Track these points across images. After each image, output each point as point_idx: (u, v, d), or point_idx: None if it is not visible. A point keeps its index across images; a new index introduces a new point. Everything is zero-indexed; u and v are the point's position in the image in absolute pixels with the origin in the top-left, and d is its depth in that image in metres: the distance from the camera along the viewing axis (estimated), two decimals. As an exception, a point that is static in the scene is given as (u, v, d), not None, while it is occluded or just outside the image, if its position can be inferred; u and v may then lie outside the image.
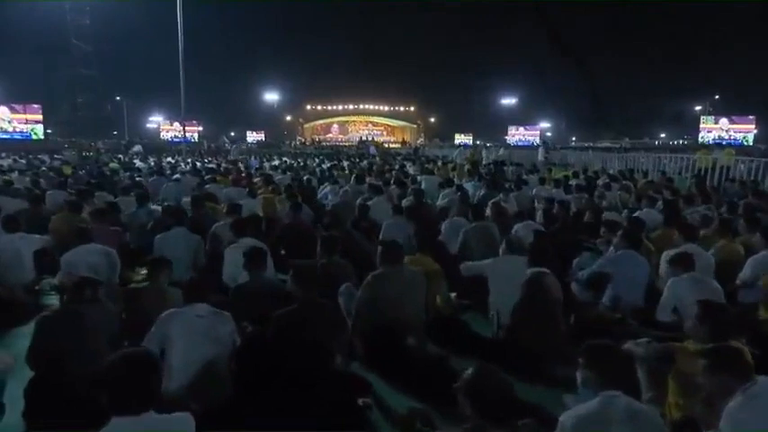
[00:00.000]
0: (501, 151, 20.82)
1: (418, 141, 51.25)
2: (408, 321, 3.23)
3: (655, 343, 2.25)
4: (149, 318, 3.06)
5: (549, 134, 53.63)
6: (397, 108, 52.65)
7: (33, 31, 40.17)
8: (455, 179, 11.10)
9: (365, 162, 16.79)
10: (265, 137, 49.09)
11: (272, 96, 48.38)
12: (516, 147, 36.85)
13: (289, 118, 51.77)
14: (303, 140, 49.32)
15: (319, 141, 48.31)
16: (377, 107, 52.32)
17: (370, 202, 6.63)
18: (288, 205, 6.38)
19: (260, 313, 3.07)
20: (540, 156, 14.92)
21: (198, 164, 15.20)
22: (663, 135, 51.44)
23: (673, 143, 42.23)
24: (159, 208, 6.46)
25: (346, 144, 46.87)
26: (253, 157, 19.55)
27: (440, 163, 16.86)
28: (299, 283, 2.77)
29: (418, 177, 9.96)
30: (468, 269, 3.79)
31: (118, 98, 53.39)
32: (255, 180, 9.78)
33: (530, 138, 45.56)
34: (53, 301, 4.27)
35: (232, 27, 48.82)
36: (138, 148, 22.10)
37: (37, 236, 4.59)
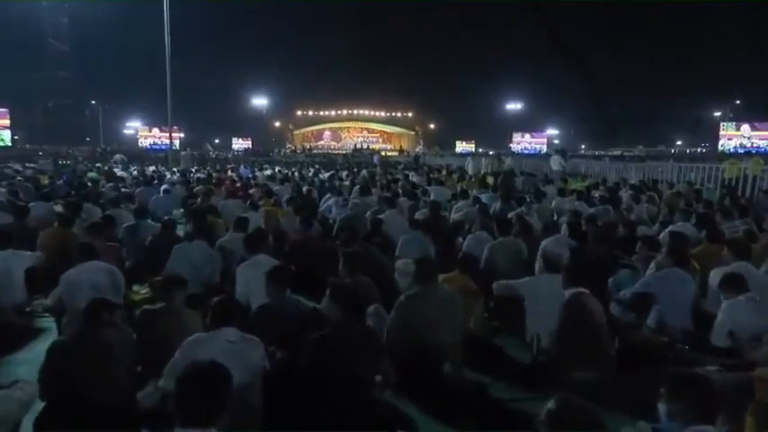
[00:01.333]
0: (508, 160, 21.02)
1: (417, 149, 51.59)
2: (445, 346, 3.24)
3: (726, 372, 2.26)
4: (166, 342, 3.06)
5: (556, 141, 54.27)
6: (393, 114, 53.02)
7: (3, 28, 40.17)
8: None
9: (365, 172, 16.84)
10: (252, 144, 49.18)
11: (259, 101, 48.54)
12: (522, 155, 37.21)
13: (277, 124, 51.94)
14: (293, 148, 49.45)
15: (310, 149, 48.48)
16: (372, 113, 52.64)
17: (381, 216, 6.68)
18: (295, 219, 6.47)
19: (286, 337, 3.08)
20: (556, 165, 15.01)
21: (186, 173, 15.19)
22: (679, 143, 52.12)
23: (690, 151, 42.77)
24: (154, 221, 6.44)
25: (340, 152, 47.07)
26: (243, 166, 19.54)
27: (444, 172, 16.99)
28: (338, 304, 2.77)
29: (428, 188, 10.01)
30: (503, 288, 3.81)
31: (93, 102, 53.55)
32: (251, 191, 9.82)
33: (536, 145, 46.03)
34: (48, 324, 4.24)
35: (217, 27, 49.27)
36: (119, 156, 22.02)
37: (28, 252, 4.57)
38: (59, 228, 5.38)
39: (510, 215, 6.97)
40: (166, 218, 5.60)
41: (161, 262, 4.76)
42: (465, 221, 6.98)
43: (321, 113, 51.67)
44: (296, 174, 15.65)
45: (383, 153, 44.75)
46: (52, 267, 4.83)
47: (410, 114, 53.26)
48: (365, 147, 48.77)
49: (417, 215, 7.20)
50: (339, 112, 51.74)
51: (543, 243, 5.09)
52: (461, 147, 51.89)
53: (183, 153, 23.85)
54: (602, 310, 3.31)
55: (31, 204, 7.17)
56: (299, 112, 51.27)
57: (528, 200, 7.48)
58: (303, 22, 53.71)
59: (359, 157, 37.05)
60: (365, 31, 55.48)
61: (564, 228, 5.85)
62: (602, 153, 36.63)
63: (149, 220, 6.13)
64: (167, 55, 14.01)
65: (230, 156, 39.11)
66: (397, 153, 45.68)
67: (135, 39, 42.82)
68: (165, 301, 3.27)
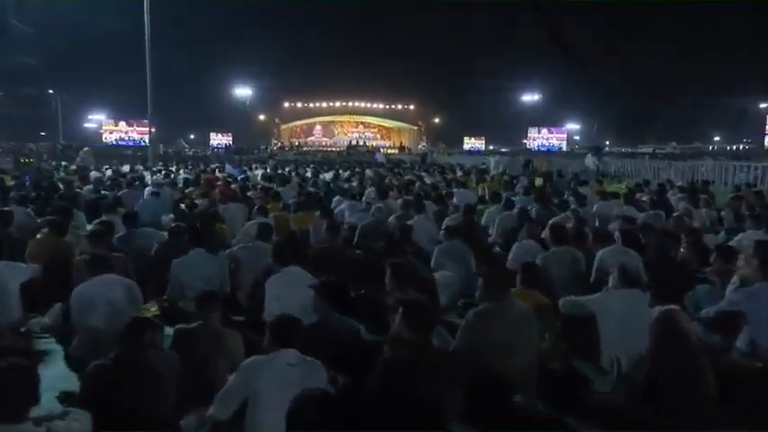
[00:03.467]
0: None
1: (420, 146, 51.77)
2: (517, 373, 3.25)
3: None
4: (206, 364, 3.10)
5: (576, 138, 54.67)
6: (393, 106, 53.21)
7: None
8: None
9: (369, 172, 16.90)
10: (233, 140, 49.12)
11: (242, 91, 48.57)
12: (538, 153, 37.49)
13: (262, 117, 51.99)
14: (280, 144, 49.47)
15: (299, 146, 48.54)
16: (369, 105, 52.80)
17: (410, 222, 6.71)
18: (317, 225, 6.50)
19: (339, 359, 3.10)
20: (591, 163, 15.09)
21: (172, 174, 15.18)
22: (717, 138, 52.39)
23: (731, 148, 43.07)
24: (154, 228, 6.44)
25: (333, 149, 47.17)
26: (231, 165, 19.54)
27: (458, 172, 17.09)
28: (412, 323, 2.79)
29: (452, 191, 10.07)
30: (571, 306, 3.83)
31: (51, 92, 53.24)
32: (249, 193, 9.83)
33: (555, 142, 46.33)
34: (50, 346, 4.21)
35: (193, 8, 49.09)
36: (86, 153, 21.86)
37: (23, 264, 4.55)
38: (51, 236, 5.35)
39: (553, 221, 7.11)
40: (173, 224, 5.59)
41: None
42: (502, 228, 7.03)
43: (311, 106, 51.76)
44: (292, 174, 15.68)
45: (382, 150, 44.93)
46: (46, 281, 4.87)
47: (412, 107, 53.49)
48: (361, 143, 48.94)
49: (448, 221, 7.28)
50: (332, 104, 51.85)
51: (600, 253, 5.13)
52: (470, 144, 52.19)
53: (84, 151, 23.36)
54: (696, 330, 3.34)
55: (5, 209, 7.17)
56: (286, 104, 51.34)
57: (574, 206, 7.52)
58: (291, 3, 53.71)
59: (355, 155, 37.19)
60: (362, 13, 55.58)
61: (617, 236, 5.91)
62: (631, 150, 36.90)
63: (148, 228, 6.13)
64: (146, 31, 13.93)
65: (209, 153, 39.07)
66: (397, 151, 45.84)
67: (96, 18, 42.59)
68: (202, 320, 3.29)
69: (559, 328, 3.76)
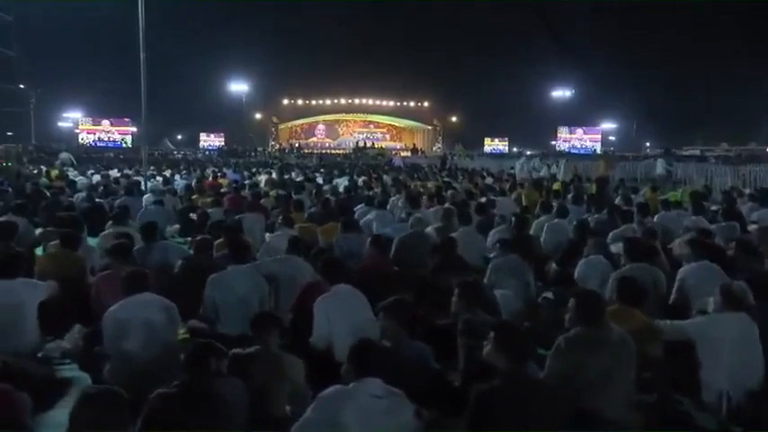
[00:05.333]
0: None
1: (435, 148, 51.91)
2: (613, 410, 3.25)
3: None
4: (267, 393, 3.14)
5: (612, 138, 54.64)
6: (405, 104, 53.41)
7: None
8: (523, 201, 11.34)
9: (387, 178, 16.99)
10: (226, 141, 49.47)
11: (236, 87, 48.91)
12: (569, 155, 37.43)
13: (258, 116, 52.30)
14: (279, 146, 49.73)
15: (299, 147, 48.79)
16: (378, 102, 53.02)
17: (454, 234, 6.74)
18: (352, 238, 6.55)
19: (419, 390, 3.12)
20: (660, 169, 14.90)
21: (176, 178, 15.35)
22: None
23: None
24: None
25: (339, 151, 47.39)
26: (232, 170, 19.70)
27: (488, 179, 17.11)
28: (509, 352, 2.81)
29: (494, 199, 10.11)
30: (669, 331, 3.84)
31: (21, 87, 53.67)
32: (262, 201, 9.91)
33: (590, 144, 46.36)
34: (73, 373, 4.25)
35: (183, -4, 49.37)
36: (65, 155, 22.16)
37: (40, 282, 4.61)
38: (63, 250, 5.42)
39: (613, 234, 7.12)
40: (200, 237, 5.64)
41: (199, 294, 4.81)
42: (559, 243, 7.05)
43: (313, 103, 52.06)
44: (296, 177, 15.81)
45: (394, 153, 45.06)
46: (62, 300, 4.92)
47: (426, 104, 53.68)
48: (369, 144, 49.11)
49: (496, 234, 7.31)
50: (336, 101, 52.10)
51: (683, 271, 5.14)
52: (491, 145, 52.29)
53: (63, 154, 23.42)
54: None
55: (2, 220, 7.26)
56: (285, 102, 51.66)
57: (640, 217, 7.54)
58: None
59: (363, 158, 37.35)
60: (370, 4, 55.75)
61: (688, 251, 5.90)
62: (676, 152, 36.82)
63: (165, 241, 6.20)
64: (140, 20, 14.06)
65: (200, 155, 39.34)
66: (409, 153, 45.99)
67: (69, 5, 42.97)
68: (260, 344, 3.33)
69: (661, 355, 3.75)
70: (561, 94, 48.43)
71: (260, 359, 3.24)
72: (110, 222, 7.29)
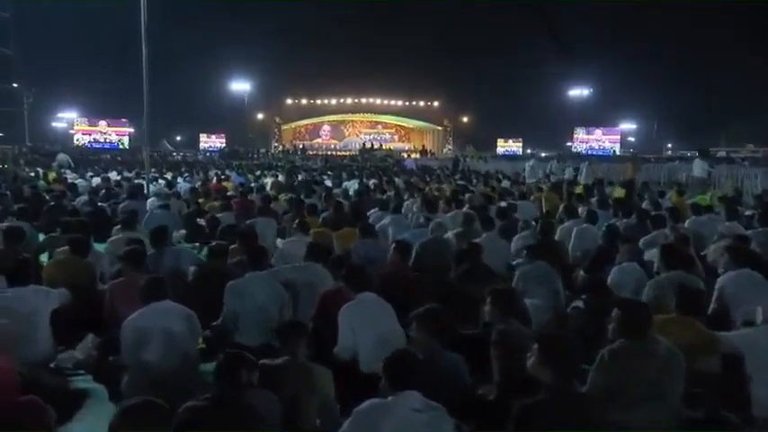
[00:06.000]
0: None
1: (445, 149, 51.93)
2: (659, 426, 3.23)
3: None
4: (297, 405, 3.16)
5: (631, 139, 54.49)
6: (414, 103, 53.42)
7: None
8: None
9: (399, 181, 17.02)
10: (227, 142, 49.66)
11: (238, 86, 49.10)
12: (588, 157, 37.28)
13: (260, 116, 52.44)
14: (283, 147, 49.88)
15: (304, 149, 48.89)
16: (386, 101, 53.03)
17: (477, 240, 6.74)
18: (371, 244, 6.57)
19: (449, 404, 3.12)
20: (698, 171, 14.55)
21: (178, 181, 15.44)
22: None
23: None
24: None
25: (344, 153, 47.47)
26: (235, 173, 19.79)
27: (503, 182, 17.09)
28: (555, 365, 2.81)
29: (515, 203, 10.11)
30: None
31: (15, 86, 54.04)
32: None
33: (609, 145, 46.28)
34: (86, 384, 4.28)
35: (181, -10, 49.55)
36: (63, 157, 22.29)
37: (53, 290, 4.64)
38: (73, 256, 5.45)
39: (644, 240, 7.10)
40: (213, 243, 5.67)
41: (215, 302, 4.84)
42: (588, 250, 7.04)
43: (318, 102, 52.12)
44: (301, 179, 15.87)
45: (406, 155, 45.09)
46: (73, 308, 4.96)
47: (436, 104, 53.71)
48: (377, 146, 49.16)
49: (520, 240, 7.31)
50: (342, 100, 52.16)
51: (722, 280, 5.12)
52: (504, 147, 52.27)
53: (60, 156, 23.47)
54: None
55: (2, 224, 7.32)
56: (288, 101, 51.75)
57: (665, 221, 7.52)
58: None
59: (371, 160, 37.41)
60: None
61: (726, 259, 5.87)
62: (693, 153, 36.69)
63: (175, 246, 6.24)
64: (143, 15, 14.13)
65: (201, 157, 39.50)
66: (418, 155, 46.01)
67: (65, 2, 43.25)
68: (288, 355, 3.34)
69: (718, 369, 3.72)
70: (579, 93, 48.28)
71: (289, 370, 3.25)
72: (117, 227, 7.35)
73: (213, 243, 5.69)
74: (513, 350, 3.69)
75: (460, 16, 57.11)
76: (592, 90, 48.33)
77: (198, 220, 9.06)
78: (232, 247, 6.00)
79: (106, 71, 49.98)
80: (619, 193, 12.40)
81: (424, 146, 52.57)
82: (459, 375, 3.50)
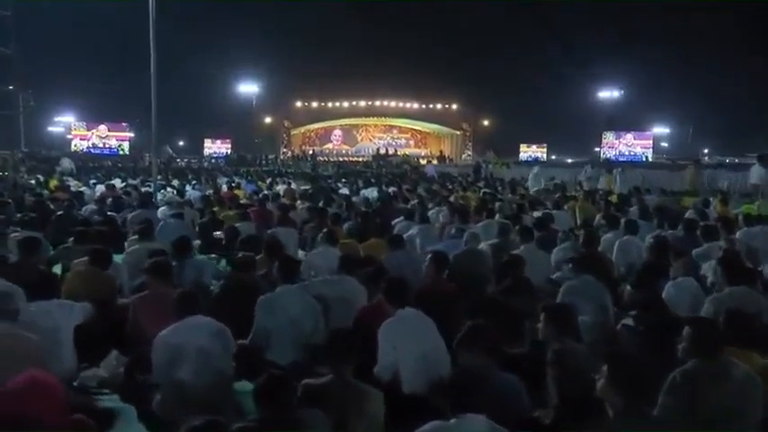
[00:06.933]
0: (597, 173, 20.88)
1: (465, 155, 51.87)
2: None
3: None
4: (344, 427, 3.15)
5: (664, 144, 54.17)
6: (431, 106, 53.38)
7: None
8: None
9: (421, 190, 17.08)
10: (232, 147, 49.87)
11: (246, 88, 49.44)
12: (619, 163, 37.05)
13: (268, 120, 52.64)
14: (292, 152, 50.06)
15: (314, 154, 49.06)
16: (401, 104, 52.97)
17: (516, 252, 6.76)
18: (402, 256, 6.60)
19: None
20: (758, 177, 14.05)
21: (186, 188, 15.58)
22: None
23: None
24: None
25: (357, 159, 47.59)
26: (246, 180, 19.95)
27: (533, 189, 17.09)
28: (623, 387, 2.81)
29: (552, 213, 10.11)
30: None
31: (10, 88, 54.72)
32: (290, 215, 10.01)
33: (640, 150, 46.02)
34: (113, 403, 4.31)
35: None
36: (67, 163, 22.58)
37: (77, 304, 4.70)
38: (92, 268, 5.52)
39: (696, 253, 7.06)
40: (239, 254, 5.71)
41: (243, 317, 4.87)
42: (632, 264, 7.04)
43: (329, 106, 52.17)
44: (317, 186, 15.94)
45: (421, 160, 45.14)
46: (96, 324, 5.02)
47: (455, 107, 53.67)
48: (391, 151, 49.25)
49: (559, 251, 7.31)
50: (354, 103, 52.20)
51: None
52: (527, 152, 52.08)
53: (65, 160, 23.62)
54: None
55: (14, 236, 7.41)
56: (298, 104, 51.86)
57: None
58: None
59: (386, 167, 37.50)
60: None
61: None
62: (738, 161, 36.44)
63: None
64: (151, 13, 14.33)
65: (206, 164, 39.78)
66: (435, 161, 46.02)
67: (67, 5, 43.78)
68: (333, 373, 3.35)
69: None
70: (608, 94, 48.00)
71: (337, 390, 3.26)
72: (133, 237, 7.42)
73: (239, 255, 5.71)
74: (570, 371, 3.70)
75: (480, 13, 57.05)
76: (622, 91, 48.05)
77: (218, 233, 9.08)
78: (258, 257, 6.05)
79: (106, 73, 50.52)
80: (722, 209, 11.88)
81: (441, 151, 52.44)
82: (517, 398, 3.49)
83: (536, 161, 46.12)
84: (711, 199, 13.31)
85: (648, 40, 53.75)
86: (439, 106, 53.57)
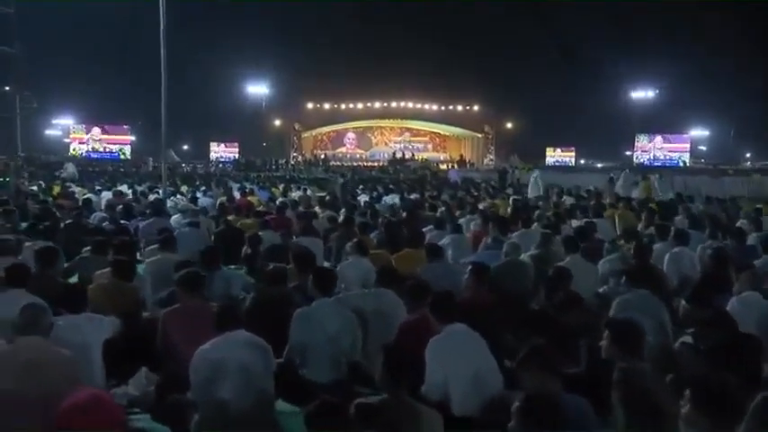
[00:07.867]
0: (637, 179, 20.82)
1: (487, 159, 51.83)
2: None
3: None
4: None
5: (702, 148, 53.80)
6: (451, 107, 53.45)
7: None
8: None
9: (446, 196, 17.10)
10: (240, 151, 50.17)
11: (255, 89, 49.74)
12: (651, 168, 36.90)
13: (278, 123, 52.91)
14: (303, 157, 50.24)
15: (326, 159, 49.24)
16: (418, 106, 53.05)
17: (561, 263, 6.74)
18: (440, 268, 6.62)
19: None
20: None
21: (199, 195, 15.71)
22: None
23: None
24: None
25: (372, 164, 47.69)
26: (257, 186, 20.07)
27: (563, 197, 17.01)
28: (710, 412, 2.80)
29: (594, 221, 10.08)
30: None
31: (7, 89, 55.32)
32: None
33: (675, 154, 45.86)
34: (146, 424, 4.34)
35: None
36: (72, 168, 22.83)
37: (105, 318, 4.74)
38: (115, 280, 5.58)
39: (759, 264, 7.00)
40: (272, 265, 5.75)
41: (276, 332, 4.89)
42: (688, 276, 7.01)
43: (342, 107, 52.36)
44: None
45: (441, 165, 45.10)
46: (123, 339, 5.06)
47: (476, 108, 53.71)
48: (408, 156, 49.26)
49: (606, 263, 7.29)
50: (369, 105, 52.34)
51: None
52: (554, 157, 51.98)
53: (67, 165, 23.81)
54: None
55: (27, 244, 7.50)
56: (309, 106, 52.11)
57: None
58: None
59: (404, 172, 37.56)
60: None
61: None
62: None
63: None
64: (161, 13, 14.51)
65: (213, 169, 40.02)
66: (456, 165, 46.00)
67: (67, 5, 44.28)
68: (390, 392, 3.36)
69: None
70: (643, 95, 47.79)
71: (393, 411, 3.26)
72: (153, 247, 7.49)
73: (270, 266, 5.74)
74: (638, 392, 3.68)
75: (504, 10, 57.01)
76: (657, 91, 47.84)
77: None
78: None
79: (106, 74, 51.01)
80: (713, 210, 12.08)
81: (462, 155, 52.44)
82: (586, 422, 3.47)
83: (564, 166, 46.07)
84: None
85: (686, 37, 53.44)
86: (459, 107, 53.67)
